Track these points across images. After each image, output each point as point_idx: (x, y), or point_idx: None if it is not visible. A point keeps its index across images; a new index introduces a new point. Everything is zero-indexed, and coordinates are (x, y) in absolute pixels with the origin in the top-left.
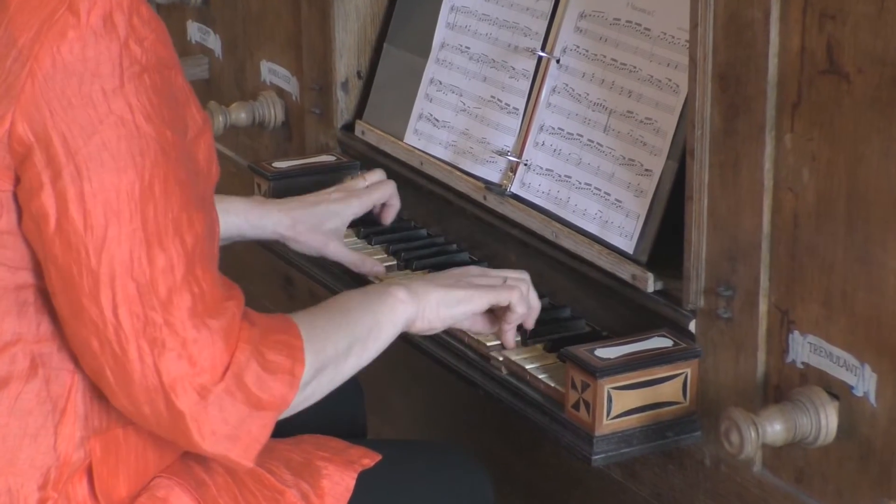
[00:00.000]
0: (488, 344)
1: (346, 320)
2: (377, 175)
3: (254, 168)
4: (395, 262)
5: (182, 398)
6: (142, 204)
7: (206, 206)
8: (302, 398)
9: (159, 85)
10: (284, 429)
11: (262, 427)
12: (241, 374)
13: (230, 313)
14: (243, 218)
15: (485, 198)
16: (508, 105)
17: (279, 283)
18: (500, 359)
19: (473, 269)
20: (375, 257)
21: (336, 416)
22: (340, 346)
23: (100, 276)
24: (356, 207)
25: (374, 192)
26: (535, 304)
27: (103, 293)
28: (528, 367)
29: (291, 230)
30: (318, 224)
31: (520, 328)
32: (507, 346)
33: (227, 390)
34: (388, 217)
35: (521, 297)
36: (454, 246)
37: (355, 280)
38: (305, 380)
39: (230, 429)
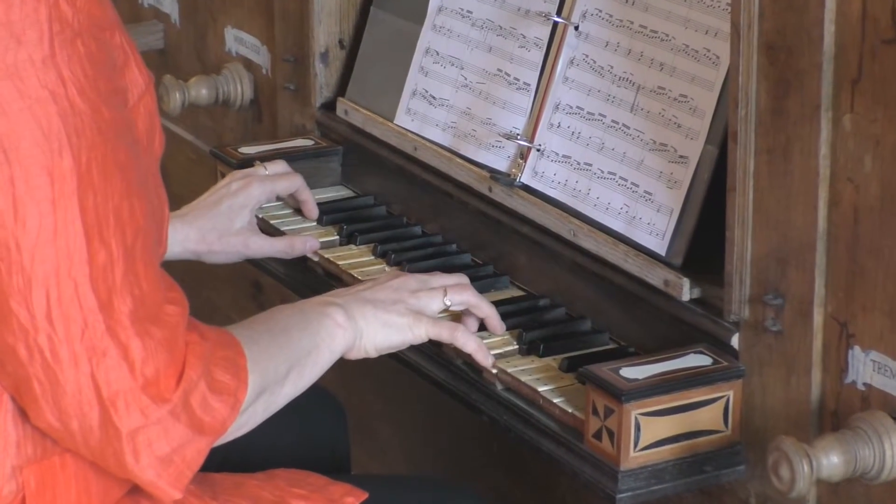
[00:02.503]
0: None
1: (287, 341)
2: (279, 166)
3: (217, 154)
4: (383, 265)
5: (122, 415)
6: (79, 192)
7: (149, 188)
8: (236, 425)
9: (94, 52)
10: (254, 461)
11: (196, 452)
12: (190, 395)
13: (173, 322)
14: None
15: (490, 189)
16: (518, 80)
17: (247, 291)
18: (507, 375)
19: (407, 281)
20: (361, 259)
21: (315, 448)
22: (280, 370)
23: (32, 274)
24: (258, 193)
25: (278, 180)
26: (488, 311)
27: (35, 294)
28: (540, 389)
29: (203, 243)
30: (227, 226)
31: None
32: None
33: (173, 412)
34: (311, 212)
35: (465, 335)
36: (454, 246)
37: (332, 278)
38: (246, 404)
39: (166, 452)
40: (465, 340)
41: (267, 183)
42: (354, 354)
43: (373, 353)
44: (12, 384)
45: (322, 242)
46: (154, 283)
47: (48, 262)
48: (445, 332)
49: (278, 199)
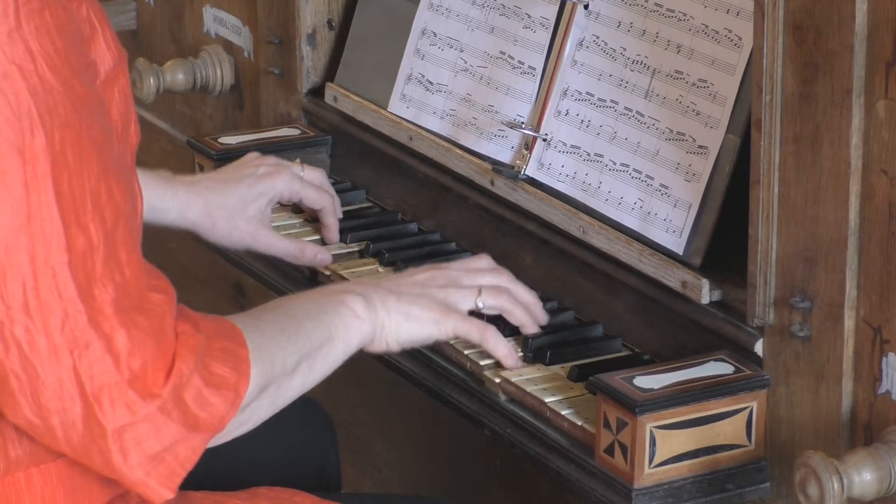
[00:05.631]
0: (497, 374)
1: (297, 331)
2: (316, 175)
3: (194, 144)
4: (376, 265)
5: (107, 411)
6: (54, 173)
7: (127, 169)
8: (238, 422)
9: (64, 23)
10: (236, 479)
11: (191, 451)
12: (182, 390)
13: (159, 311)
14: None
15: (492, 182)
16: (523, 63)
17: (227, 293)
18: (510, 384)
19: (437, 274)
20: (351, 259)
21: (302, 465)
22: (288, 362)
23: (6, 262)
24: (282, 186)
25: (308, 188)
26: (527, 298)
27: (10, 283)
28: (547, 400)
29: (206, 217)
30: (238, 208)
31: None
32: (507, 366)
33: (164, 408)
34: (330, 236)
35: (496, 337)
36: (453, 244)
37: (318, 282)
38: (248, 399)
39: (157, 451)
40: (496, 344)
41: (296, 182)
42: (376, 347)
43: (395, 347)
44: None
45: (308, 241)
46: (136, 271)
47: (22, 249)
48: (475, 332)
49: (295, 208)
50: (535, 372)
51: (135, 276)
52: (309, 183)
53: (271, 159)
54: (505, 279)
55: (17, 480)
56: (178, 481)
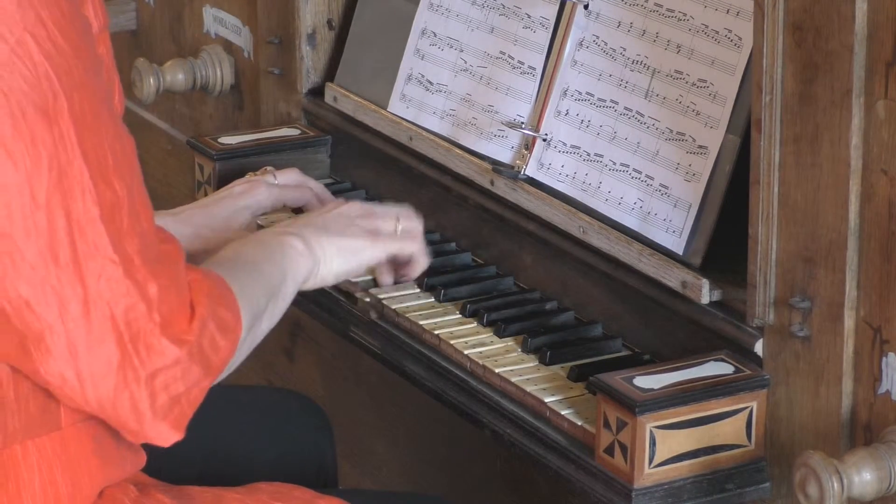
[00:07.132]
0: (497, 370)
1: (260, 274)
2: (290, 176)
3: (194, 144)
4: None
5: (144, 357)
6: (77, 133)
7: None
8: (229, 365)
9: None
10: (234, 477)
11: (200, 392)
12: (202, 334)
13: (174, 259)
14: None
15: (492, 182)
16: (522, 63)
17: None
18: (511, 384)
19: (355, 207)
20: None
21: (299, 463)
22: (261, 303)
23: (44, 218)
24: (263, 197)
25: (287, 191)
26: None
27: (47, 239)
28: (547, 399)
29: (197, 241)
30: (225, 225)
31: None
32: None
33: (191, 353)
34: None
35: (423, 248)
36: (453, 244)
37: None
38: (241, 341)
39: (179, 393)
40: (420, 253)
41: (274, 190)
42: (311, 284)
43: (331, 281)
44: (15, 342)
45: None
46: (151, 222)
47: (57, 206)
48: (406, 245)
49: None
50: (534, 371)
51: (150, 228)
52: (286, 186)
53: (243, 178)
54: (415, 217)
55: (15, 454)
56: (185, 423)
